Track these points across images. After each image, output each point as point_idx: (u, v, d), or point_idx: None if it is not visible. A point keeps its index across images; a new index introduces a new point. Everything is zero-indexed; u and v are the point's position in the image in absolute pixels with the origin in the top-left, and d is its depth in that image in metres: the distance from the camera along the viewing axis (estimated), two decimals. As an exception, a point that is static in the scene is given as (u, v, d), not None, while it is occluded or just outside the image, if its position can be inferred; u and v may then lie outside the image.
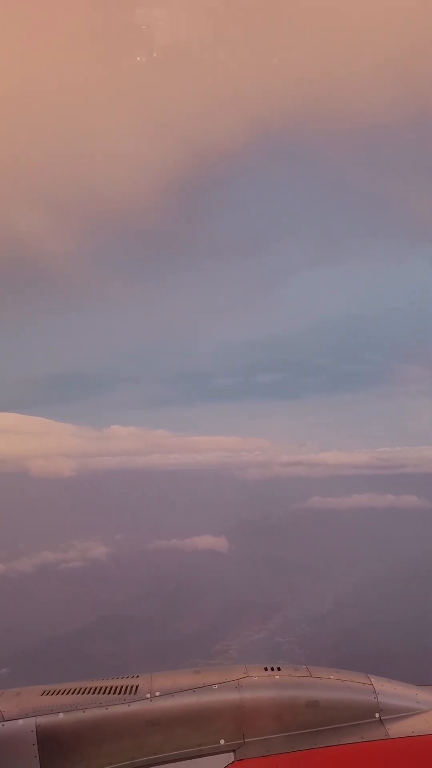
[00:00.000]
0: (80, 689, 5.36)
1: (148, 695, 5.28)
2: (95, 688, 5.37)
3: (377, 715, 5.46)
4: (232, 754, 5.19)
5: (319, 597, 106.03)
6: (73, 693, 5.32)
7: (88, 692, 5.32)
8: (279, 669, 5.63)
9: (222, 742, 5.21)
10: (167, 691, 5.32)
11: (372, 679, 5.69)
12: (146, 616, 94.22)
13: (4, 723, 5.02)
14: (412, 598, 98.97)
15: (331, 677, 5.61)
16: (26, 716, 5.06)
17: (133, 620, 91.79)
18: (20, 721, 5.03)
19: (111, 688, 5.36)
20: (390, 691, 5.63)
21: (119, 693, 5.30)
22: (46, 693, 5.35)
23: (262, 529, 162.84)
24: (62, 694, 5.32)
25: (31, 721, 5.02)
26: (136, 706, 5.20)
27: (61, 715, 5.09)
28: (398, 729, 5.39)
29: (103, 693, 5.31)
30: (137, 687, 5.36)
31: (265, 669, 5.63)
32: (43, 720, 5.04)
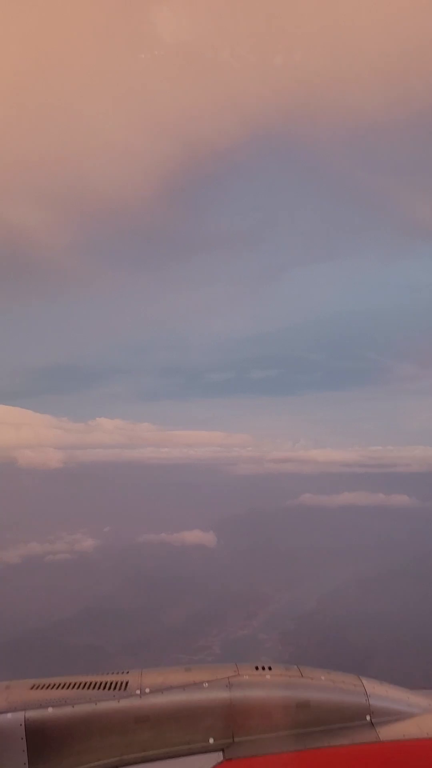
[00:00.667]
0: (70, 684, 5.25)
1: (138, 692, 5.18)
2: (85, 683, 5.24)
3: (368, 717, 5.34)
4: (221, 753, 5.07)
5: (305, 595, 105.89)
6: (62, 687, 5.22)
7: (78, 687, 5.21)
8: (270, 668, 5.47)
9: (211, 740, 5.10)
10: (157, 688, 5.21)
11: (364, 682, 5.55)
12: (130, 610, 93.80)
13: None
14: (398, 596, 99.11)
15: (323, 678, 5.49)
16: (15, 710, 4.96)
17: (116, 613, 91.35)
18: (9, 715, 4.94)
19: (101, 683, 5.25)
20: (381, 694, 5.50)
21: (109, 689, 5.19)
22: (35, 687, 5.26)
23: (252, 525, 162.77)
24: (52, 688, 5.22)
25: (19, 715, 4.92)
26: (125, 703, 5.09)
27: (50, 709, 4.99)
28: (389, 732, 5.27)
29: (93, 688, 5.19)
30: (127, 683, 5.24)
31: (256, 668, 5.48)
32: (32, 714, 4.94)
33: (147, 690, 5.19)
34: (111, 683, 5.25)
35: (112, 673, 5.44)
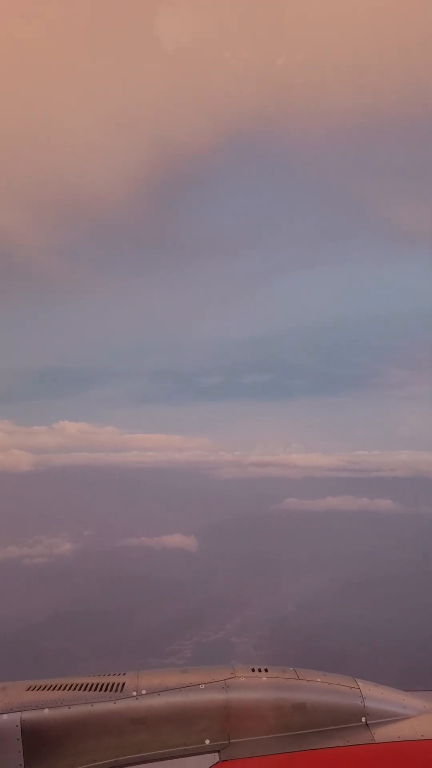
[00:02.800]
0: (66, 685, 5.30)
1: (135, 693, 5.22)
2: (81, 685, 5.30)
3: (363, 719, 5.39)
4: (216, 754, 5.12)
5: (283, 600, 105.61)
6: (58, 689, 5.25)
7: (74, 688, 5.25)
8: (266, 670, 5.55)
9: (207, 742, 5.16)
10: (153, 690, 5.26)
11: (359, 683, 5.61)
12: (105, 614, 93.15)
13: None
14: (377, 601, 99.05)
15: (319, 680, 5.53)
16: (11, 711, 4.99)
17: (90, 617, 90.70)
18: (5, 716, 4.98)
19: (97, 685, 5.31)
20: (377, 696, 5.56)
21: (105, 690, 5.24)
22: (31, 688, 5.28)
23: (235, 530, 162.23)
24: (48, 689, 5.26)
25: (16, 716, 4.96)
26: (121, 704, 5.15)
27: (46, 710, 5.03)
28: (384, 734, 5.31)
29: (89, 690, 5.25)
30: (123, 685, 5.30)
31: (252, 670, 5.54)
32: (28, 715, 4.98)
33: (143, 691, 5.22)
34: (107, 684, 5.28)
35: (109, 674, 5.47)
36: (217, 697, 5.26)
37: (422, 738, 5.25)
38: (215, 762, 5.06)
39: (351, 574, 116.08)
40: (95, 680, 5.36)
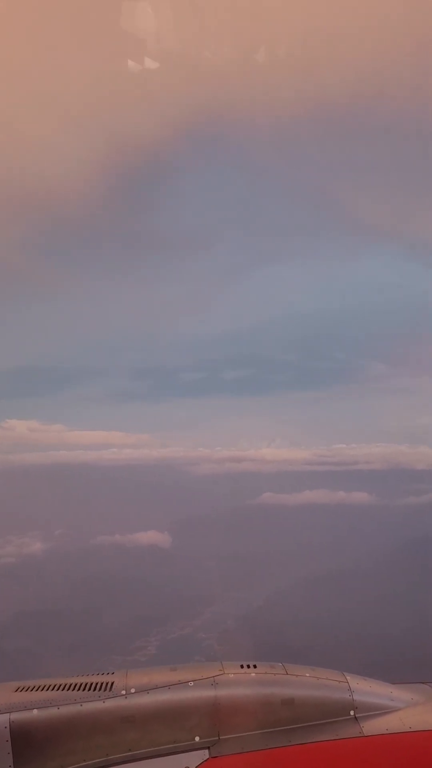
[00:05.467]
0: (55, 686, 5.29)
1: (123, 692, 5.22)
2: (70, 685, 5.29)
3: (352, 712, 5.43)
4: (206, 751, 5.12)
5: (253, 594, 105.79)
6: (47, 689, 5.25)
7: (63, 689, 5.24)
8: (255, 666, 5.54)
9: (197, 739, 5.16)
10: (142, 688, 5.25)
11: (347, 677, 5.65)
12: (71, 613, 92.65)
13: None
14: (345, 595, 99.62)
15: (307, 675, 5.56)
16: (0, 713, 4.97)
17: (55, 616, 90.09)
18: None
19: (86, 684, 5.29)
20: (365, 689, 5.60)
21: (94, 689, 5.23)
22: (20, 689, 5.27)
23: (210, 525, 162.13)
24: (36, 690, 5.25)
25: (4, 718, 4.95)
26: (110, 703, 5.15)
27: (35, 711, 5.01)
28: (373, 727, 5.36)
29: (78, 689, 5.23)
30: (112, 684, 5.30)
31: (241, 666, 5.54)
32: (16, 716, 4.97)
33: (132, 690, 5.22)
34: (96, 684, 5.28)
35: (97, 673, 5.47)
36: (206, 693, 5.26)
37: (410, 730, 5.30)
38: (205, 758, 5.07)
39: (321, 568, 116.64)
40: (84, 680, 5.35)
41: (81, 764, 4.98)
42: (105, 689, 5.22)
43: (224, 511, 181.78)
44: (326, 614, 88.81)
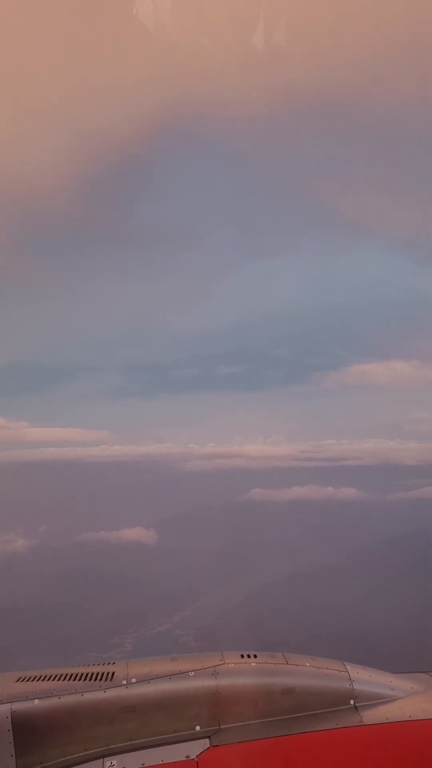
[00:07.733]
0: (56, 675, 5.28)
1: (125, 682, 5.22)
2: (71, 675, 5.27)
3: (352, 702, 5.43)
4: (207, 740, 5.12)
5: (235, 591, 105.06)
6: (48, 679, 5.24)
7: (64, 678, 5.23)
8: (255, 656, 5.54)
9: (197, 728, 5.15)
10: (143, 678, 5.25)
11: (347, 667, 5.65)
12: (50, 610, 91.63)
13: None
14: (327, 590, 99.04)
15: (307, 664, 5.56)
16: (1, 702, 4.96)
17: (33, 613, 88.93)
18: None
19: (87, 674, 5.29)
20: (365, 679, 5.60)
21: (95, 679, 5.23)
22: (21, 679, 5.26)
23: (197, 522, 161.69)
24: (38, 680, 5.25)
25: (6, 708, 4.93)
26: (112, 693, 5.14)
27: (36, 701, 5.00)
28: (373, 716, 5.35)
29: (79, 679, 5.22)
30: (113, 674, 5.30)
31: (242, 656, 5.53)
32: (18, 706, 4.95)
33: (133, 680, 5.22)
34: (97, 674, 5.28)
35: (98, 664, 5.46)
36: (206, 683, 5.26)
37: (410, 719, 5.29)
38: (206, 748, 5.06)
39: (305, 564, 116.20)
40: (85, 670, 5.34)
41: (82, 753, 4.97)
42: (106, 679, 5.22)
43: (212, 507, 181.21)
44: (311, 609, 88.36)
